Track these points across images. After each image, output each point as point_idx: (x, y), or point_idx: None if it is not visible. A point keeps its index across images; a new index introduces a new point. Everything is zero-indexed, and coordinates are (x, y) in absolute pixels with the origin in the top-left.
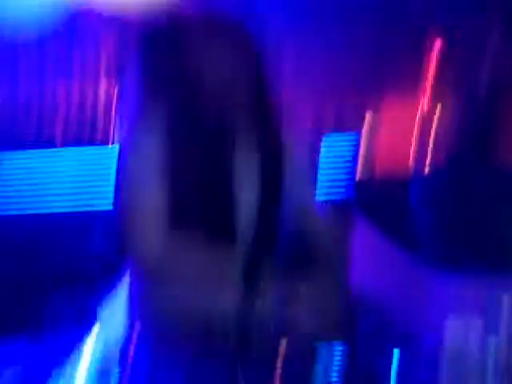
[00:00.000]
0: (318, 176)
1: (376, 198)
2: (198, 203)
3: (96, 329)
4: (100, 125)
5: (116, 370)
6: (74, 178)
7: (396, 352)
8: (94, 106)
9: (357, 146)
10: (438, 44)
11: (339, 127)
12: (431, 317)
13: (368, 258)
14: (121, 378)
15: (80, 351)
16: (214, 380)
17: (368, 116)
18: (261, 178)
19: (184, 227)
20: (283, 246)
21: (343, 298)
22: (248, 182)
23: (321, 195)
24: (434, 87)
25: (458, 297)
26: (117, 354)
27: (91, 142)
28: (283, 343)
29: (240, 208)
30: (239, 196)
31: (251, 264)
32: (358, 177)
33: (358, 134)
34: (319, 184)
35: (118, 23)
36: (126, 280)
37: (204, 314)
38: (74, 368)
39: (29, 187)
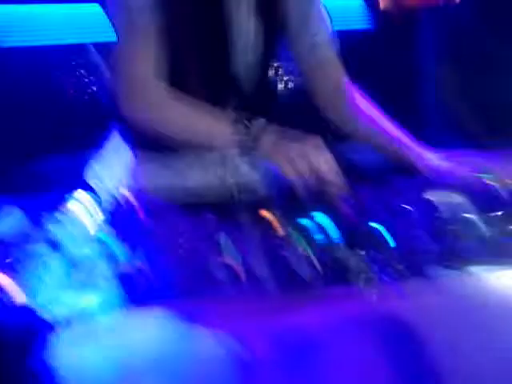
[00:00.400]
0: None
1: (396, 29)
2: (195, 47)
3: (88, 187)
4: None
5: (109, 231)
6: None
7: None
8: None
9: None
10: None
11: None
12: (418, 191)
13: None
14: (115, 238)
15: (72, 211)
16: (198, 239)
17: None
18: (260, 17)
19: (179, 72)
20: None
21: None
22: (246, 26)
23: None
24: None
25: (445, 172)
26: (109, 215)
27: None
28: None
29: (238, 53)
30: (238, 40)
31: (247, 111)
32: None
33: None
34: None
35: None
36: (117, 136)
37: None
38: (66, 229)
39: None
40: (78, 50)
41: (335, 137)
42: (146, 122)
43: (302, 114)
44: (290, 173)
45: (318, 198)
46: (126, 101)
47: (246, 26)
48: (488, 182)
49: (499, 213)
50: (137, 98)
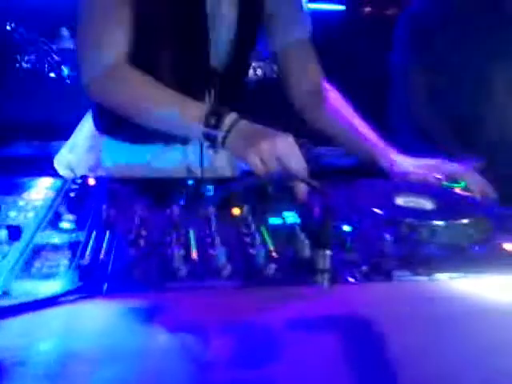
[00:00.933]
0: None
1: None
2: (173, 36)
3: (54, 172)
4: None
5: (72, 219)
6: None
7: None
8: None
9: None
10: None
11: None
12: (387, 195)
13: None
14: (78, 226)
15: (34, 197)
16: (163, 231)
17: None
18: (243, 11)
19: (155, 61)
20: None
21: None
22: (228, 19)
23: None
24: None
25: (413, 176)
26: (73, 202)
27: None
28: None
29: (217, 46)
30: (218, 33)
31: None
32: None
33: None
34: None
35: None
36: (86, 122)
37: None
38: (27, 215)
39: None
40: None
41: (309, 137)
42: (110, 97)
43: (276, 109)
44: (259, 170)
45: (286, 195)
46: (92, 79)
47: (227, 19)
48: (455, 189)
49: (464, 220)
50: (102, 75)
